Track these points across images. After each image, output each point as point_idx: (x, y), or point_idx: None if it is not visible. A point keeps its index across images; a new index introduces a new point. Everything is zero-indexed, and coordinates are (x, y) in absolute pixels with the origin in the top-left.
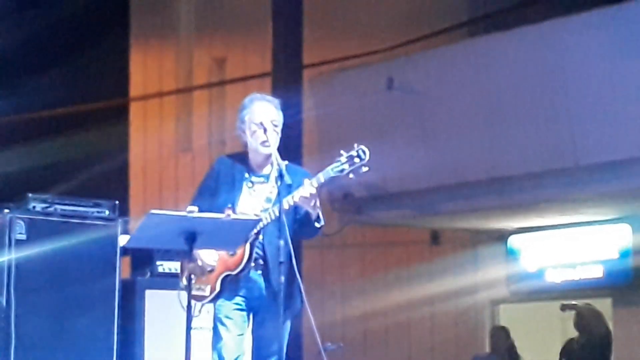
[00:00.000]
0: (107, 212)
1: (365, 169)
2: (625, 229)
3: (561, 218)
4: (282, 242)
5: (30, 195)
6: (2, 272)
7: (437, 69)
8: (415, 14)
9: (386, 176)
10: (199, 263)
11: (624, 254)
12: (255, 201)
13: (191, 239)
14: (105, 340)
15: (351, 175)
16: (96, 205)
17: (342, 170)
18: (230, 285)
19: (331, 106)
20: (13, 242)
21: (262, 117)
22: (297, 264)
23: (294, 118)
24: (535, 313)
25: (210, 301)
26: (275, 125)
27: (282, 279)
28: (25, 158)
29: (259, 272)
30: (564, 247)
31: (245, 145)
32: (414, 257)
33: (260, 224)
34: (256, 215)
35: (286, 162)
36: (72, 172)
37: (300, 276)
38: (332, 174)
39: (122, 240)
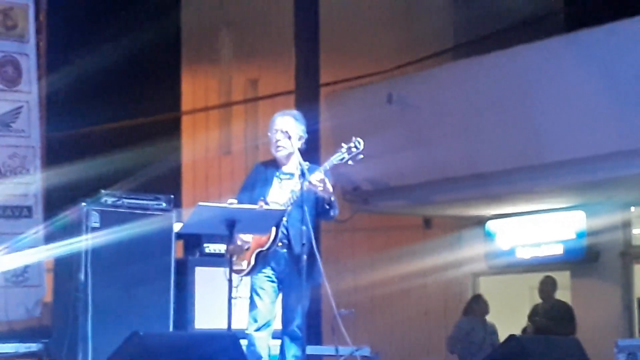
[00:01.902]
0: (164, 204)
1: (360, 156)
2: (580, 214)
3: (529, 206)
4: (304, 227)
5: (103, 191)
6: (81, 253)
7: (427, 86)
8: (409, 41)
9: (387, 173)
10: (238, 243)
11: (580, 235)
12: (282, 193)
13: (231, 225)
14: (163, 308)
15: (350, 162)
16: (155, 199)
17: (342, 159)
18: (261, 260)
19: (342, 117)
20: (89, 229)
21: (277, 126)
22: (316, 245)
23: (313, 127)
24: (508, 284)
25: (247, 274)
26: (290, 135)
27: (305, 257)
28: (100, 161)
29: (284, 250)
30: (531, 229)
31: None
32: (410, 239)
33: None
34: (282, 206)
35: (307, 163)
36: (136, 172)
37: (319, 254)
38: (335, 162)
39: (176, 227)
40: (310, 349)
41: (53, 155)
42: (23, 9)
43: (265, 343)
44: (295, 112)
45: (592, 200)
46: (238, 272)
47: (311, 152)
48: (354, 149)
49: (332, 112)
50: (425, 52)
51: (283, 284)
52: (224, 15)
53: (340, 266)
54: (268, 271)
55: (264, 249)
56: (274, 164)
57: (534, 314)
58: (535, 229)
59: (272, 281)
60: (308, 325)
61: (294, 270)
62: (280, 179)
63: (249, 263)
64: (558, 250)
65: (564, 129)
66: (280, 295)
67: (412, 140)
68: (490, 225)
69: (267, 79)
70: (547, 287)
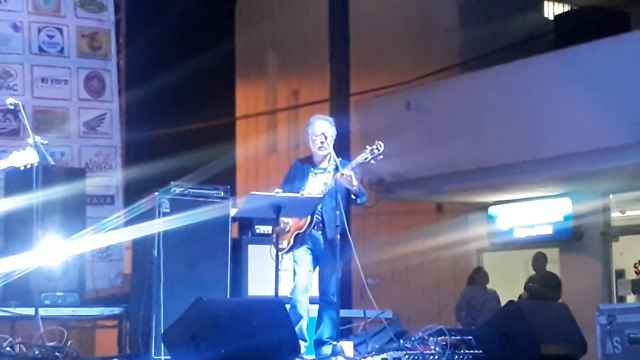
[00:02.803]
0: (222, 194)
1: (381, 157)
2: (567, 201)
3: (524, 194)
4: (337, 212)
5: (172, 183)
6: (155, 234)
7: (440, 95)
8: (425, 57)
9: (406, 167)
10: (281, 225)
11: (567, 218)
12: (317, 185)
13: (277, 210)
14: (222, 278)
15: (372, 161)
16: (215, 189)
17: (366, 158)
18: (299, 240)
19: (369, 121)
20: (161, 214)
21: (319, 130)
22: (347, 227)
23: (344, 130)
24: (506, 258)
25: (287, 252)
26: (327, 136)
27: (338, 237)
28: (169, 159)
29: (319, 231)
30: (526, 213)
31: (310, 148)
32: (425, 221)
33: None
34: (318, 194)
35: (340, 158)
36: (199, 167)
37: (350, 235)
38: (360, 161)
39: (232, 212)
40: (343, 312)
41: (131, 153)
42: (106, 34)
43: (305, 306)
44: (330, 118)
45: (577, 189)
46: (280, 249)
47: (342, 151)
48: (375, 151)
49: (360, 117)
50: (438, 66)
51: (319, 260)
52: (270, 38)
53: (366, 244)
54: (306, 248)
55: (302, 231)
56: (309, 161)
57: (529, 282)
58: (530, 213)
59: (310, 254)
60: (340, 293)
61: (327, 248)
62: (315, 173)
63: (288, 242)
64: (548, 230)
65: (553, 130)
66: (317, 269)
67: (426, 140)
68: (492, 209)
69: (306, 89)
70: (539, 261)
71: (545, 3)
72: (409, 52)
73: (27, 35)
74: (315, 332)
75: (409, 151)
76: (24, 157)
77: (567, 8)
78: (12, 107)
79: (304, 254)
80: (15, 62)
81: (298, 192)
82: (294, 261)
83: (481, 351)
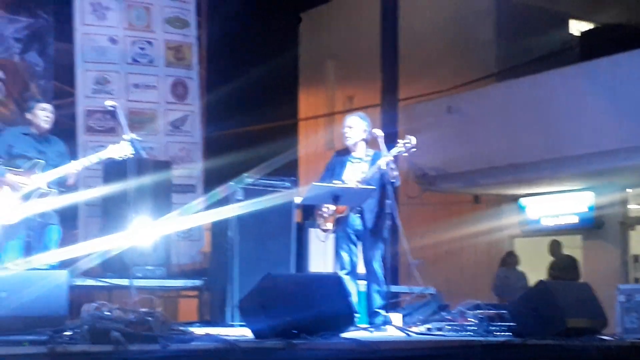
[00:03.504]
0: (287, 184)
1: (414, 149)
2: (590, 194)
3: (551, 187)
4: (388, 201)
5: (245, 174)
6: (230, 218)
7: (477, 101)
8: (464, 67)
9: (447, 163)
10: (323, 210)
11: (590, 209)
12: (354, 173)
13: (336, 199)
14: (287, 257)
15: (405, 154)
16: (282, 180)
17: (400, 152)
18: (341, 223)
19: (414, 123)
20: (235, 201)
21: (346, 123)
22: (395, 216)
23: (392, 130)
24: (535, 244)
25: (331, 233)
26: (351, 128)
27: (374, 220)
28: (242, 153)
29: (358, 215)
30: (553, 204)
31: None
32: (464, 211)
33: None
34: (359, 182)
35: (372, 150)
36: (267, 161)
37: (399, 222)
38: (395, 154)
39: (296, 200)
40: (391, 288)
41: (209, 149)
42: (189, 46)
43: (352, 283)
44: (361, 113)
45: (599, 184)
46: (325, 231)
47: (391, 148)
48: (408, 145)
49: (406, 119)
50: (476, 75)
51: (360, 240)
52: (329, 50)
53: (412, 231)
54: (347, 230)
55: (343, 215)
56: (346, 152)
57: (550, 269)
58: (556, 204)
59: (350, 237)
60: (389, 271)
61: (367, 229)
62: (352, 162)
63: (332, 225)
64: (573, 220)
65: (577, 132)
66: (360, 248)
67: (464, 139)
68: (523, 201)
69: (360, 95)
70: (554, 248)
71: (572, 21)
72: (450, 63)
73: (123, 47)
74: (366, 305)
75: (449, 149)
76: (120, 149)
77: (591, 25)
78: (111, 108)
79: (345, 237)
80: (112, 70)
81: (338, 180)
82: (337, 244)
83: (514, 324)
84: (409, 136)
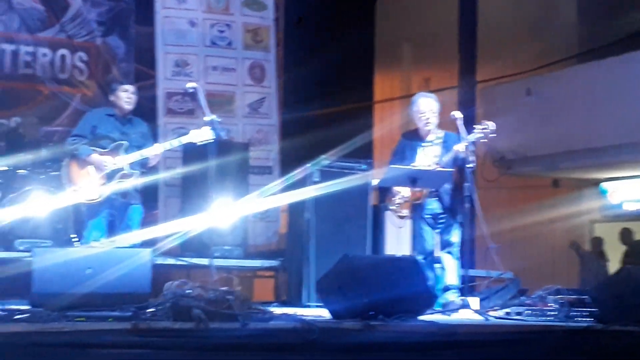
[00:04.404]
0: (364, 166)
1: (493, 135)
2: None
3: (633, 171)
4: (466, 184)
5: (322, 156)
6: (307, 200)
7: (557, 83)
8: (544, 49)
9: (525, 146)
10: (398, 196)
11: None
12: (426, 158)
13: (413, 181)
14: (363, 239)
15: (484, 140)
16: (358, 162)
17: (478, 138)
18: (418, 208)
19: (492, 105)
20: (312, 183)
21: (425, 108)
22: (474, 199)
23: (471, 113)
24: (616, 229)
25: (407, 219)
26: (432, 113)
27: (451, 203)
28: (318, 135)
29: (435, 198)
30: (635, 188)
31: (417, 124)
32: (543, 195)
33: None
34: (445, 168)
35: (444, 131)
36: (342, 143)
37: (477, 206)
38: (473, 139)
39: (373, 182)
40: (468, 272)
41: (286, 131)
42: (267, 29)
43: (429, 268)
44: (432, 94)
45: None
46: (401, 217)
47: (469, 131)
48: (486, 130)
49: (484, 101)
50: (557, 57)
51: (438, 224)
52: (405, 33)
53: (489, 215)
54: (424, 215)
55: (419, 201)
56: (416, 136)
57: (624, 257)
58: (638, 188)
59: (428, 222)
60: (467, 255)
61: (445, 213)
62: (423, 147)
63: (408, 211)
64: None
65: None
66: (438, 231)
67: (544, 122)
68: (604, 185)
69: (437, 78)
70: (625, 236)
71: None
72: (530, 44)
73: (202, 30)
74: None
75: (527, 132)
76: (201, 134)
77: None
78: (192, 90)
79: (423, 221)
80: (191, 53)
81: (409, 165)
82: (414, 228)
83: (595, 309)
84: (488, 122)
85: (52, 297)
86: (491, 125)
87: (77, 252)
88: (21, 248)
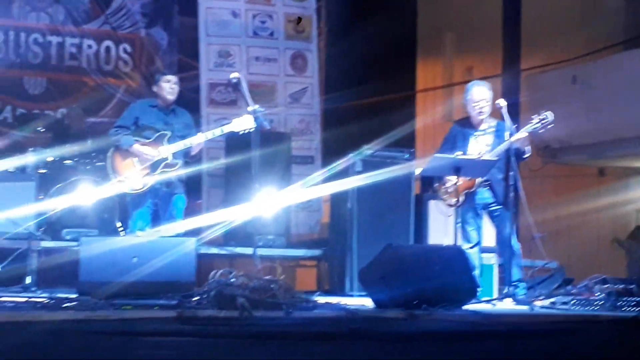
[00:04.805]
0: (407, 156)
1: (550, 126)
2: None
3: None
4: (511, 173)
5: (364, 146)
6: (350, 190)
7: (604, 71)
8: (590, 36)
9: (571, 134)
10: (447, 185)
11: None
12: (478, 146)
13: (457, 171)
14: (406, 229)
15: (541, 130)
16: (400, 152)
17: (535, 128)
18: (470, 197)
19: (537, 93)
20: (354, 172)
21: (479, 97)
22: (519, 188)
23: (515, 100)
24: None
25: (458, 207)
26: (487, 101)
27: (503, 193)
28: (360, 125)
29: (487, 188)
30: None
31: (469, 113)
32: (588, 184)
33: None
34: (492, 157)
35: (497, 120)
36: (384, 133)
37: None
38: (530, 130)
39: (416, 171)
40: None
41: (328, 120)
42: (309, 19)
43: (476, 256)
44: (486, 82)
45: None
46: (451, 205)
47: (512, 119)
48: (544, 121)
49: (529, 89)
50: (603, 44)
51: (490, 215)
52: (447, 21)
53: (533, 204)
54: (475, 205)
55: (471, 190)
56: (468, 124)
57: None
58: None
59: (477, 211)
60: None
61: (498, 203)
62: (476, 135)
63: (457, 200)
64: None
65: None
66: (491, 220)
67: (590, 110)
68: None
69: (480, 66)
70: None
71: None
72: (576, 32)
73: (244, 21)
74: (505, 279)
75: (573, 120)
76: (242, 123)
77: None
78: (235, 80)
79: (472, 210)
80: (233, 43)
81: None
82: (463, 219)
83: None
84: (546, 112)
85: (99, 285)
86: (550, 115)
87: (123, 241)
88: (68, 237)
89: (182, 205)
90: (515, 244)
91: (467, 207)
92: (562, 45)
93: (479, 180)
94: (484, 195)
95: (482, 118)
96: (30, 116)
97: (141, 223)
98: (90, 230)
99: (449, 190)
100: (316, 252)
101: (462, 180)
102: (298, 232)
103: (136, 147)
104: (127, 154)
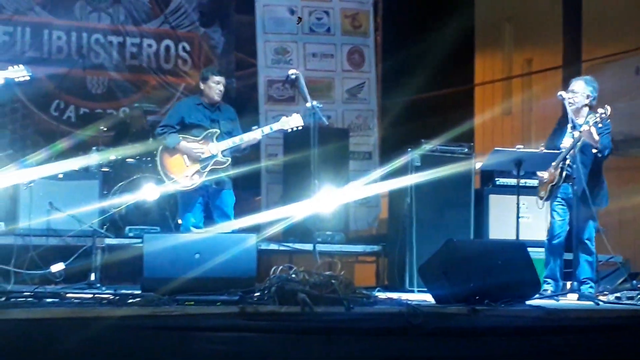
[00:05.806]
0: (466, 150)
1: (608, 120)
2: None
3: None
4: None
5: (423, 140)
6: (408, 185)
7: None
8: None
9: (634, 127)
10: (541, 177)
11: None
12: (569, 141)
13: (518, 164)
14: (466, 224)
15: (600, 125)
16: (460, 146)
17: (595, 123)
18: (555, 191)
19: (600, 85)
20: (414, 168)
21: (570, 88)
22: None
23: None
24: None
25: (545, 200)
26: (574, 93)
27: (587, 187)
28: (418, 120)
29: (570, 183)
30: None
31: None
32: None
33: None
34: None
35: (594, 114)
36: (446, 128)
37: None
38: (591, 124)
39: (477, 165)
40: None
41: (385, 116)
42: (366, 14)
43: (557, 251)
44: (587, 77)
45: None
46: (541, 198)
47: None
48: (603, 115)
49: None
50: None
51: (572, 209)
52: (506, 12)
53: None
54: (559, 199)
55: (555, 183)
56: (566, 118)
57: None
58: None
59: (563, 205)
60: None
61: (577, 198)
62: (571, 131)
63: (545, 193)
64: None
65: None
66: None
67: None
68: None
69: (539, 58)
70: None
71: None
72: (638, 21)
73: (301, 17)
74: (574, 274)
75: (636, 112)
76: (290, 121)
77: None
78: (293, 77)
79: (557, 205)
80: (290, 40)
81: (558, 147)
82: (551, 210)
83: None
84: (605, 106)
85: (162, 281)
86: (608, 109)
87: (186, 237)
88: (131, 235)
89: (232, 201)
90: (588, 240)
91: (554, 201)
92: (625, 36)
93: (558, 174)
94: (568, 189)
95: (570, 109)
96: (93, 116)
97: (192, 221)
98: (153, 227)
99: (542, 182)
100: (375, 248)
101: (549, 174)
102: (357, 228)
103: (183, 144)
104: (174, 152)
